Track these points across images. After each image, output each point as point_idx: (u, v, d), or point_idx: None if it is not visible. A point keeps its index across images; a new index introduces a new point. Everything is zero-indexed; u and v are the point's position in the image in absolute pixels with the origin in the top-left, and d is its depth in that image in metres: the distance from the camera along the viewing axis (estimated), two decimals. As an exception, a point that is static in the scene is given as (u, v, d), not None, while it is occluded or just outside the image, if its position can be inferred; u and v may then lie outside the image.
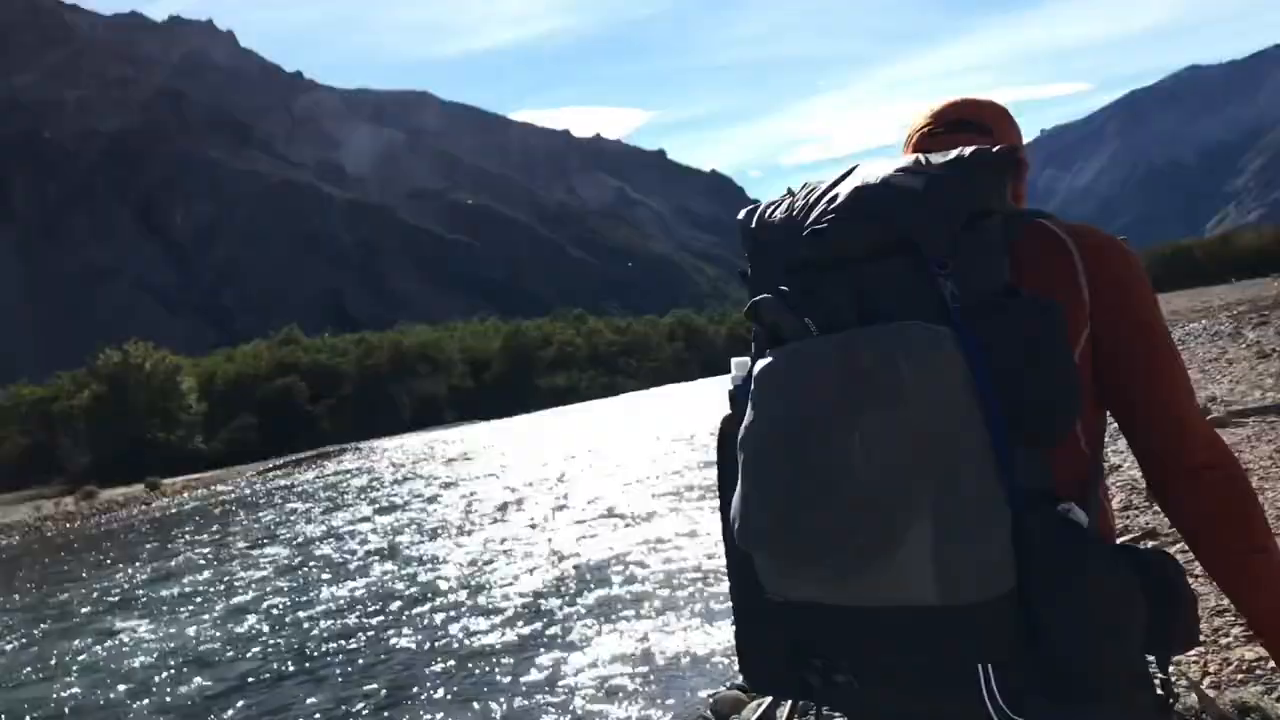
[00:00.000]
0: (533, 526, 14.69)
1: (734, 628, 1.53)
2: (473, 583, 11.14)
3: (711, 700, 5.89)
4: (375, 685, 7.71)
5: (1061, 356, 1.29)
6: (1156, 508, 5.43)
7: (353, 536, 16.84)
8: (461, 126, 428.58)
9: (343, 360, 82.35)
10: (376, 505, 21.74)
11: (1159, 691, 1.35)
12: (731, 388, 1.52)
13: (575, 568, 11.06)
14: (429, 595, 10.84)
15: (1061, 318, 1.30)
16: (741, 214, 1.51)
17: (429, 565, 12.73)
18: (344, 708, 7.29)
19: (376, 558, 14.07)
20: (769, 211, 1.46)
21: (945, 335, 1.25)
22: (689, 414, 36.02)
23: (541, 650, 7.92)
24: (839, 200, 1.36)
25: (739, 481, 1.37)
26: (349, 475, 33.37)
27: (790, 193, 1.48)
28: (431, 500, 21.00)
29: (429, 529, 16.32)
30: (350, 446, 57.13)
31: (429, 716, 6.81)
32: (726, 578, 1.51)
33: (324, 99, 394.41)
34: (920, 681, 1.33)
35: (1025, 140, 1.68)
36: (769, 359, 1.35)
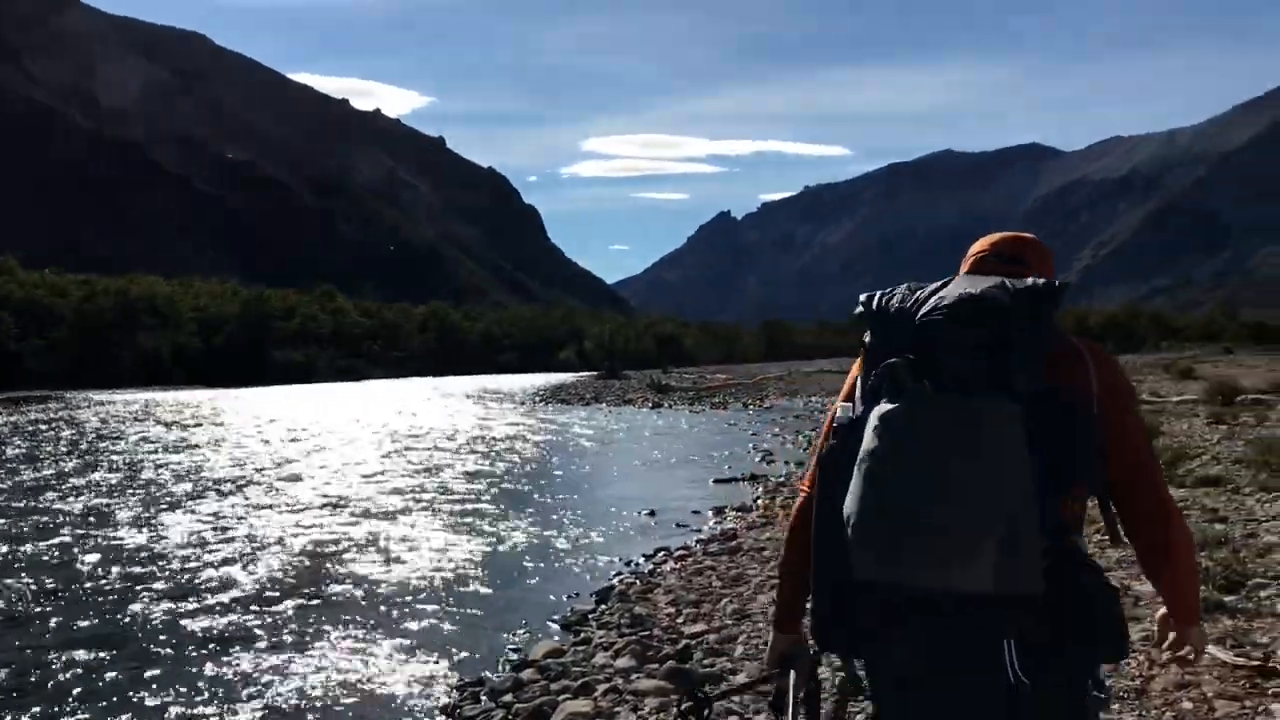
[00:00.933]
0: (250, 509, 13.65)
1: (812, 599, 2.11)
2: (175, 561, 10.17)
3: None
4: (46, 662, 6.73)
5: (1086, 439, 1.94)
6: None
7: (51, 493, 15.18)
8: (235, 77, 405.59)
9: (61, 301, 75.75)
10: (81, 462, 19.80)
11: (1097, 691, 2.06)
12: (836, 424, 2.06)
13: (288, 560, 10.27)
14: (127, 567, 9.80)
15: (1088, 412, 1.96)
16: (864, 296, 2.10)
17: (130, 535, 11.55)
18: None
19: (72, 521, 12.68)
20: (885, 300, 2.06)
21: (1017, 411, 1.86)
22: (432, 412, 35.18)
23: (233, 646, 7.24)
24: (946, 301, 1.96)
25: (858, 490, 1.91)
26: (53, 425, 30.44)
27: (908, 288, 2.08)
28: (142, 465, 19.29)
29: (136, 496, 14.92)
30: (58, 394, 52.50)
31: (94, 699, 5.98)
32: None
33: (88, 21, 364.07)
34: (960, 647, 1.94)
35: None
36: (895, 405, 1.91)
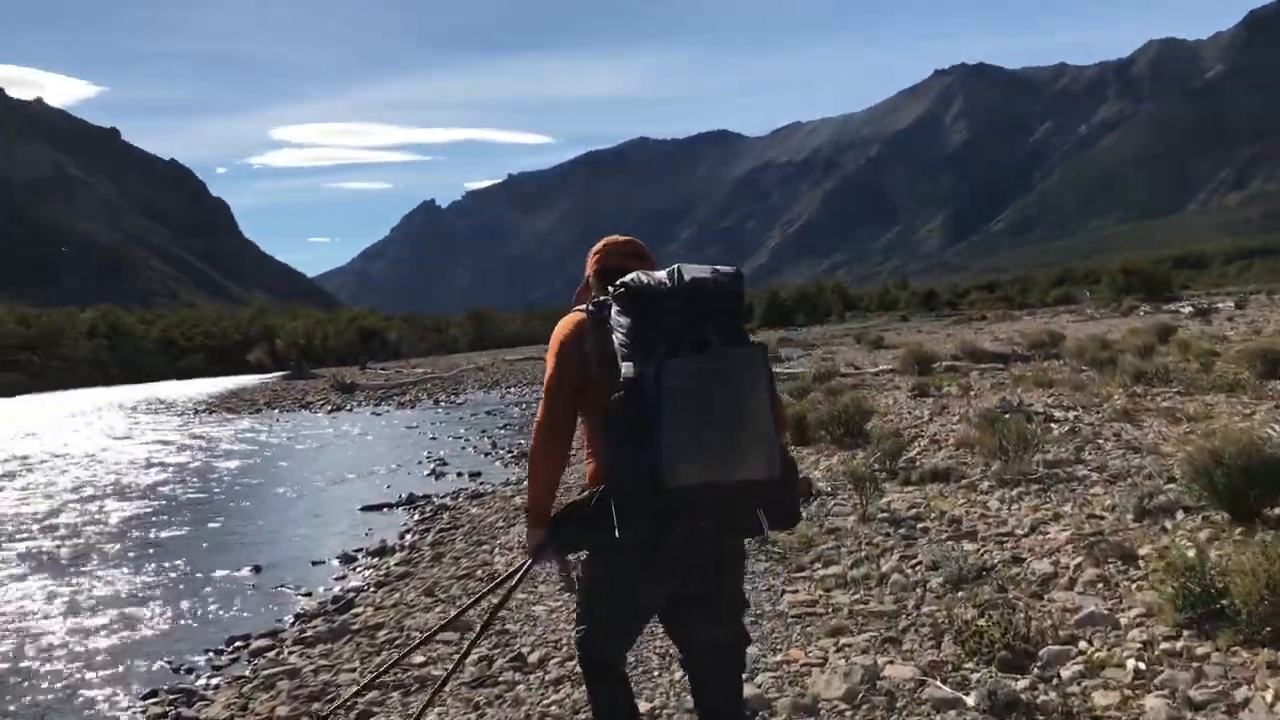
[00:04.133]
0: None
1: (621, 508, 2.79)
2: None
3: None
4: None
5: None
6: None
7: None
8: None
9: None
10: None
11: None
12: (625, 378, 2.77)
13: None
14: None
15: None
16: (631, 280, 2.87)
17: None
18: None
19: None
20: (648, 284, 2.85)
21: (763, 355, 2.91)
22: (60, 430, 29.55)
23: None
24: (701, 283, 2.85)
25: (686, 421, 2.68)
26: None
27: (647, 275, 2.90)
28: None
29: None
30: None
31: None
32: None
33: None
34: (742, 521, 2.92)
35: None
36: (694, 358, 2.72)
